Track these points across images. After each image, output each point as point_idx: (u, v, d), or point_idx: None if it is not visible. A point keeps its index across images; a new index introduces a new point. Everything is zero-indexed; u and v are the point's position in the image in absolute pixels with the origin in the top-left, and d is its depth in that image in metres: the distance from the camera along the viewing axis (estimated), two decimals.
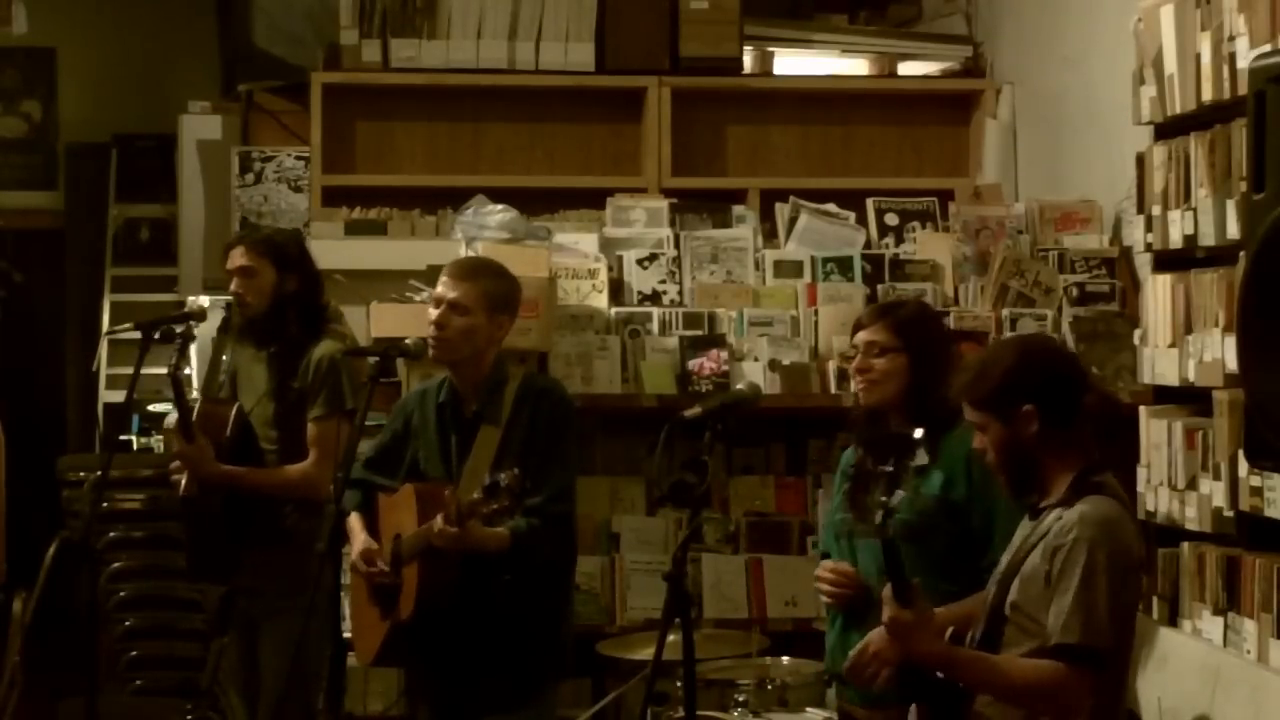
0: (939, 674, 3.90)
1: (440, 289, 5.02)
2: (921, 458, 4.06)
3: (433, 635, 4.94)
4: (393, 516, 5.05)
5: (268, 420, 5.58)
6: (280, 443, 5.55)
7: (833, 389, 6.17)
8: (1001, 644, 3.91)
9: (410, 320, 5.86)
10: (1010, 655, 3.87)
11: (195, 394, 9.91)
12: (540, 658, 5.00)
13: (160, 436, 9.68)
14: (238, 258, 5.63)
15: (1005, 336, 5.97)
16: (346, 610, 5.41)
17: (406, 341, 5.26)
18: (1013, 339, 5.58)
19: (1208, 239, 4.92)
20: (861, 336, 4.64)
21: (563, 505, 4.95)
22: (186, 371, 10.48)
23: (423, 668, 5.10)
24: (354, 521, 5.08)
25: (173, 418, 5.61)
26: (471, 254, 6.26)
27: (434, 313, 5.00)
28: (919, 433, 4.30)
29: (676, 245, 6.58)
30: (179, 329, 5.42)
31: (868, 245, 6.69)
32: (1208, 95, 4.91)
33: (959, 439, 4.33)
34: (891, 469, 3.96)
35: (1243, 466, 4.67)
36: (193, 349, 10.55)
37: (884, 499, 3.91)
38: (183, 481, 5.54)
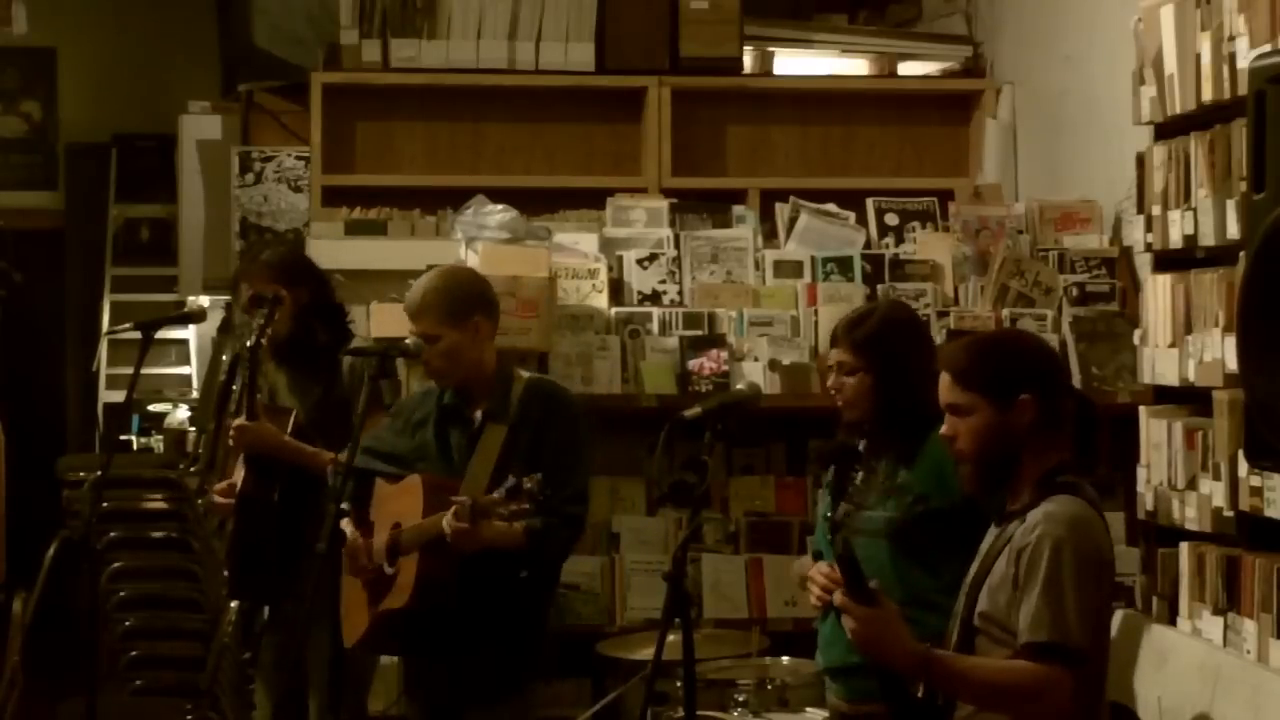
0: (913, 688, 3.79)
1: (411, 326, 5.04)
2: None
3: (423, 626, 4.93)
4: (392, 505, 5.03)
5: (312, 430, 5.53)
6: (327, 450, 5.49)
7: None
8: (974, 655, 3.82)
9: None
10: (984, 659, 3.78)
11: (195, 395, 10.04)
12: (522, 652, 4.97)
13: (160, 436, 9.70)
14: (246, 292, 5.60)
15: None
16: None
17: (407, 341, 5.27)
18: (1008, 329, 5.59)
19: (1208, 239, 4.92)
20: (832, 355, 4.69)
21: (578, 506, 4.94)
22: (185, 370, 10.58)
23: (413, 657, 5.11)
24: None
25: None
26: (464, 259, 6.23)
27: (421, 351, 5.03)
28: (862, 445, 4.53)
29: (676, 245, 6.58)
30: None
31: (868, 245, 6.69)
32: (1208, 95, 4.90)
33: (939, 442, 4.21)
34: (835, 480, 3.95)
35: (1243, 466, 4.66)
36: (192, 349, 10.64)
37: (829, 515, 3.92)
38: (238, 482, 5.49)
